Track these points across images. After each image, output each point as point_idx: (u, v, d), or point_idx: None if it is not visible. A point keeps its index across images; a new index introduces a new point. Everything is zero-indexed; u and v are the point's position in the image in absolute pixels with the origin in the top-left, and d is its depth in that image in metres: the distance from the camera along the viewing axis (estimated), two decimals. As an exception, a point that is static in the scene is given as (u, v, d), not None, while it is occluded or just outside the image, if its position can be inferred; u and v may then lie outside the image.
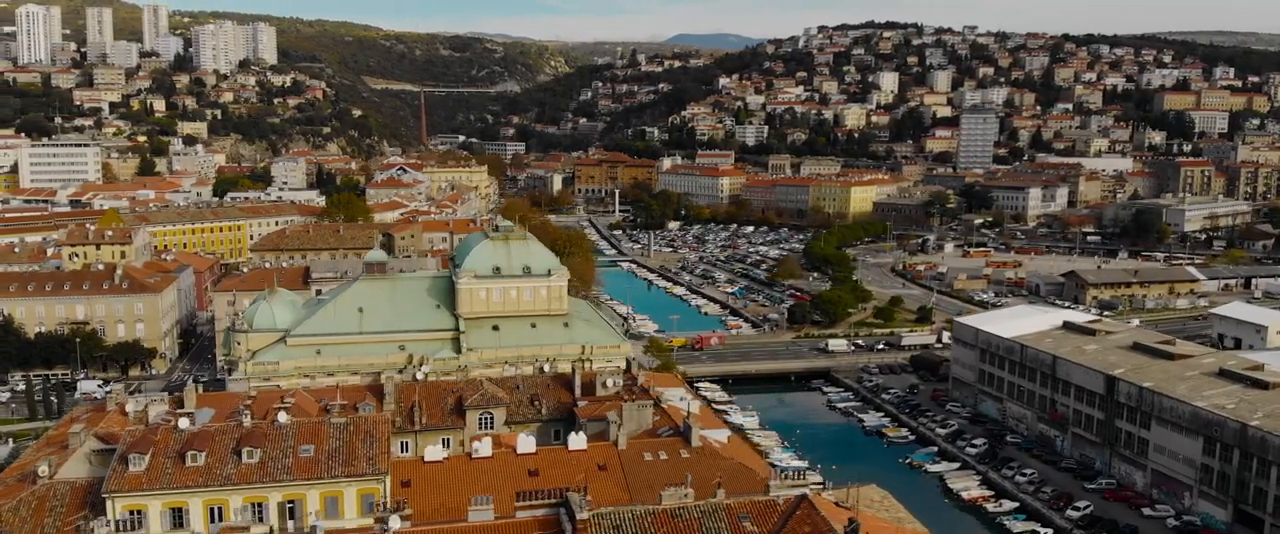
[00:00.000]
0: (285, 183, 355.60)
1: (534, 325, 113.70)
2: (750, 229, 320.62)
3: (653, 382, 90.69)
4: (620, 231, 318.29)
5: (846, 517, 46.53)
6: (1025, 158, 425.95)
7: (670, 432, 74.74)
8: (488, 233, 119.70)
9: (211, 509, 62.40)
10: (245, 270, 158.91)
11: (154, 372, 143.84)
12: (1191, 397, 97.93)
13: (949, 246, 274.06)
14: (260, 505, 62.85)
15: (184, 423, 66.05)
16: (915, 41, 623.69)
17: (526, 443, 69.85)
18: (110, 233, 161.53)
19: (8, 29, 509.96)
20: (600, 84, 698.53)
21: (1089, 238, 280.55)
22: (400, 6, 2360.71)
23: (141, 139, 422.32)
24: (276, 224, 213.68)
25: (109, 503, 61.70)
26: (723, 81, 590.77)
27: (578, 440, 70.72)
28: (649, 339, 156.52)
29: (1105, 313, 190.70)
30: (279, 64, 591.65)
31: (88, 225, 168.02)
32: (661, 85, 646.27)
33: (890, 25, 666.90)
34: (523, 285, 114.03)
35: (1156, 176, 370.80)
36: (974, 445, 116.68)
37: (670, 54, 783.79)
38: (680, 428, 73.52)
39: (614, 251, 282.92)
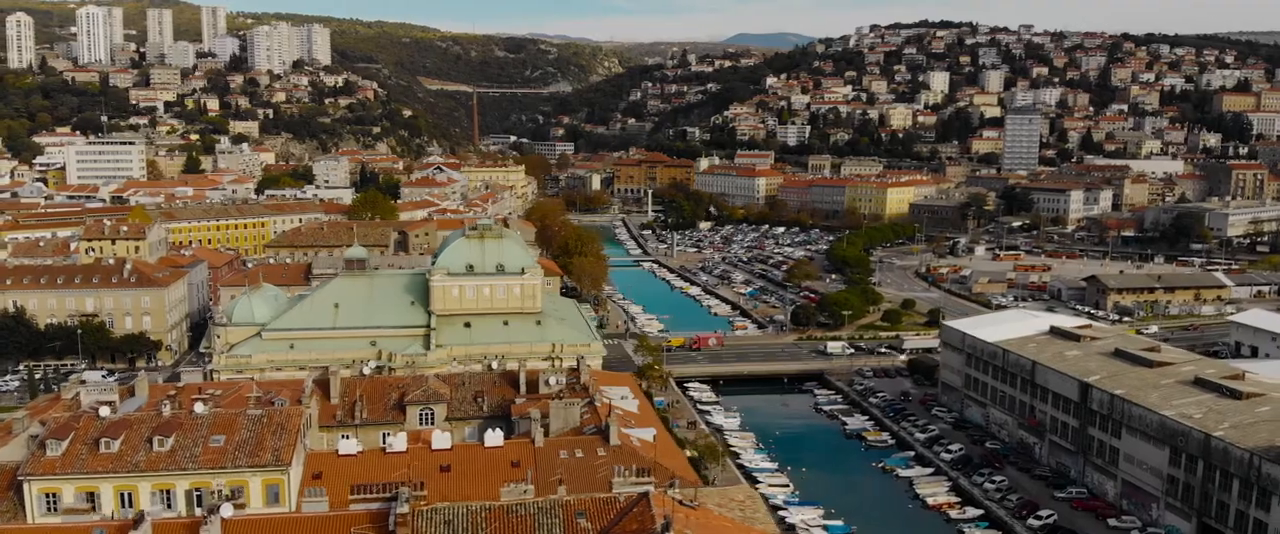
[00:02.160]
0: (327, 181, 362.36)
1: (506, 323, 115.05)
2: (781, 230, 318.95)
3: (600, 381, 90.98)
4: (650, 231, 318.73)
5: (687, 514, 46.57)
6: (1074, 159, 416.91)
7: (594, 430, 75.05)
8: (465, 231, 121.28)
9: (122, 494, 64.36)
10: (248, 265, 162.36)
11: (159, 363, 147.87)
12: (1160, 405, 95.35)
13: (979, 250, 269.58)
14: (168, 492, 64.66)
15: (105, 411, 68.25)
16: (969, 41, 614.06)
17: (442, 439, 70.74)
18: (125, 229, 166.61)
19: (73, 29, 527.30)
20: (650, 84, 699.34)
21: (1126, 242, 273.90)
22: (464, 8, 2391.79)
23: (194, 138, 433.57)
24: (299, 221, 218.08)
25: (26, 486, 64.00)
26: (770, 81, 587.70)
27: (494, 437, 71.46)
28: (640, 338, 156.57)
29: (1124, 319, 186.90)
30: (332, 64, 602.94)
31: (104, 221, 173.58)
32: (710, 85, 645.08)
33: (944, 24, 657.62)
34: (496, 283, 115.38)
35: (1208, 179, 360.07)
36: (949, 451, 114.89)
37: (722, 54, 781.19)
38: (602, 427, 73.83)
39: (639, 251, 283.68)
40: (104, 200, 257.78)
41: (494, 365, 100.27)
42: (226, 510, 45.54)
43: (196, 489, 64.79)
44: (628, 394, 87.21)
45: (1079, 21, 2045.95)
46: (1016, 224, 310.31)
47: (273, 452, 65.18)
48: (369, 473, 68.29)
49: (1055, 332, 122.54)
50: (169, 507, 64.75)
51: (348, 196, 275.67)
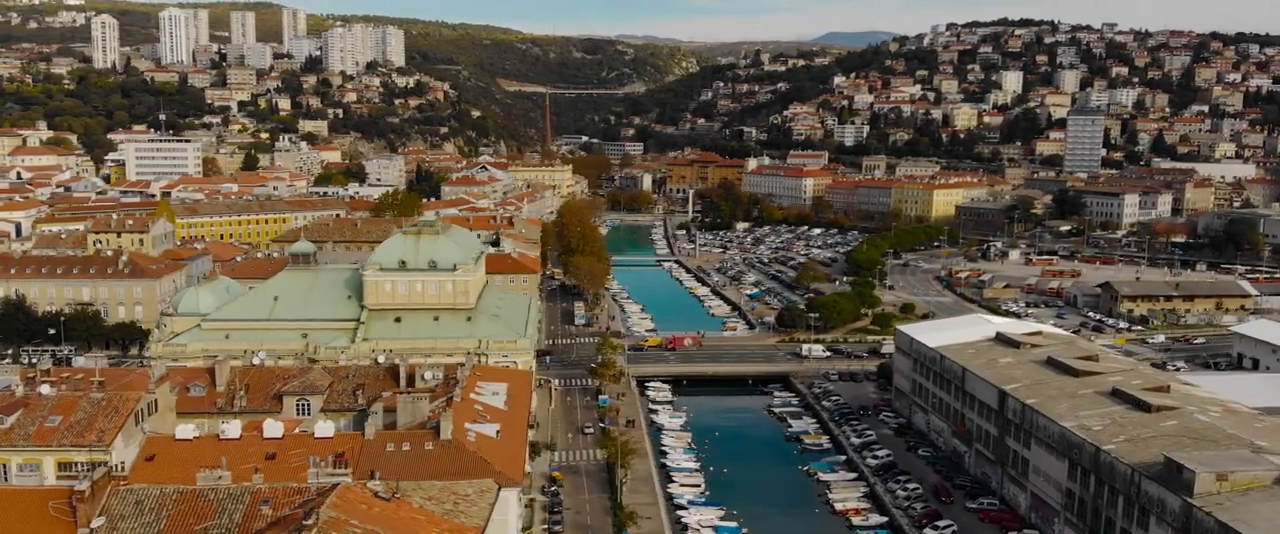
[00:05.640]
0: (379, 179, 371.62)
1: (437, 319, 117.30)
2: (817, 231, 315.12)
3: (486, 378, 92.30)
4: (684, 231, 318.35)
5: (371, 506, 47.80)
6: (1142, 162, 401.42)
7: (435, 425, 76.43)
8: (404, 230, 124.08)
9: (-37, 469, 68.53)
10: (239, 259, 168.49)
11: (150, 351, 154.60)
12: (1063, 416, 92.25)
13: (1014, 254, 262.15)
14: (5, 466, 68.48)
15: (-39, 392, 72.65)
16: (1048, 39, 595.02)
17: (274, 428, 73.01)
18: (130, 222, 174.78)
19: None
20: (721, 84, 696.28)
21: (1176, 248, 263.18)
22: (552, 9, 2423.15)
23: (264, 136, 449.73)
24: (317, 218, 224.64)
25: (-123, 459, 68.64)
26: (837, 80, 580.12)
27: (325, 428, 73.52)
28: (603, 337, 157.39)
29: (1135, 328, 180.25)
30: (406, 66, 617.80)
31: (113, 215, 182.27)
32: (780, 85, 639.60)
33: (1024, 22, 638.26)
34: (428, 279, 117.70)
35: (1279, 184, 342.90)
36: (876, 456, 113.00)
37: (796, 53, 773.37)
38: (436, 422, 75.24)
39: (666, 251, 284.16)
40: (154, 195, 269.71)
41: (380, 360, 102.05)
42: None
43: (29, 465, 68.53)
44: (501, 391, 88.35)
45: (1167, 20, 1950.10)
46: (1065, 228, 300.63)
47: (97, 433, 68.53)
48: (200, 457, 71.12)
49: (1000, 338, 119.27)
50: (6, 480, 68.67)
51: (371, 194, 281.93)
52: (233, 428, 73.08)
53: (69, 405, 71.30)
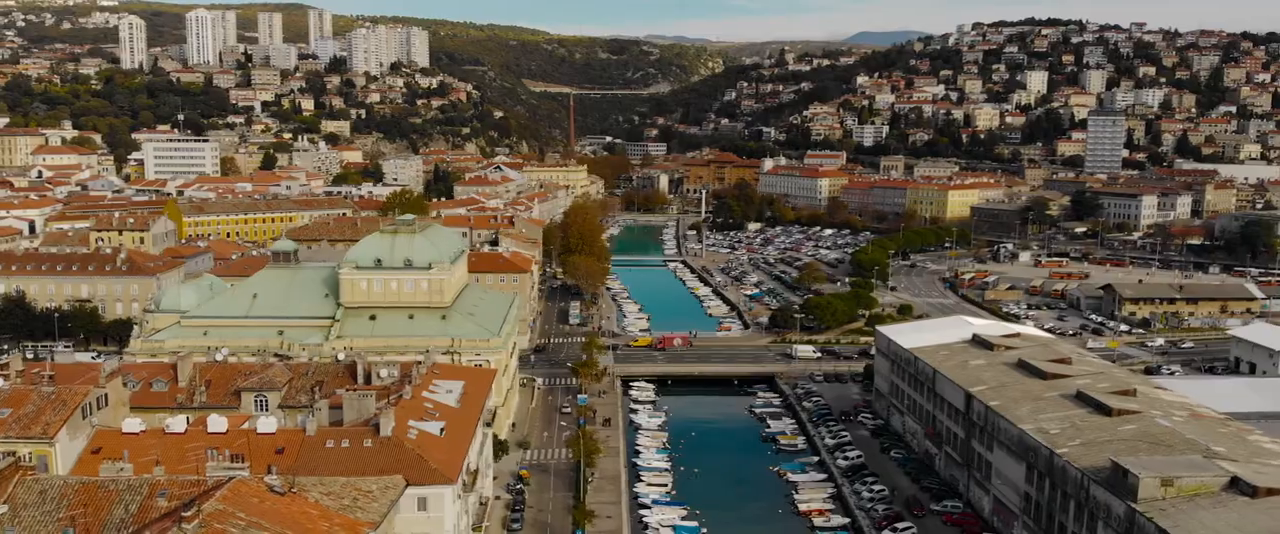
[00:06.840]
0: (396, 179, 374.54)
1: (412, 317, 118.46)
2: (829, 232, 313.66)
3: (445, 376, 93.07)
4: (695, 231, 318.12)
5: (263, 499, 48.64)
6: (1165, 163, 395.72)
7: (377, 423, 77.28)
8: (382, 228, 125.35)
9: (-87, 461, 70.24)
10: (235, 257, 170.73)
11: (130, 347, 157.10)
12: (1023, 419, 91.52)
13: (1024, 256, 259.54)
14: (-50, 460, 70.16)
15: (-85, 385, 74.48)
16: (1075, 39, 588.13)
17: (217, 422, 74.23)
18: (132, 220, 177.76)
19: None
20: (745, 84, 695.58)
21: (1191, 250, 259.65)
22: (584, 10, 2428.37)
23: (286, 136, 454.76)
24: (320, 216, 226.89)
25: None
26: (860, 80, 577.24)
27: (268, 423, 74.60)
28: (589, 338, 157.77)
29: (1136, 330, 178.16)
30: (430, 66, 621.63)
31: (114, 214, 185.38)
32: (804, 84, 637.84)
33: (1051, 22, 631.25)
34: (403, 277, 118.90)
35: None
36: (847, 457, 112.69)
37: (821, 52, 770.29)
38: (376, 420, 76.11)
39: (674, 251, 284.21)
40: (169, 194, 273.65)
41: (336, 357, 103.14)
42: None
43: (-25, 457, 70.13)
44: (456, 389, 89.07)
45: (1197, 20, 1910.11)
46: (1080, 230, 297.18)
47: (42, 426, 70.01)
48: (144, 450, 72.74)
49: (975, 339, 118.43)
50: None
51: (380, 194, 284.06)
52: (178, 422, 74.39)
53: (20, 399, 72.86)
